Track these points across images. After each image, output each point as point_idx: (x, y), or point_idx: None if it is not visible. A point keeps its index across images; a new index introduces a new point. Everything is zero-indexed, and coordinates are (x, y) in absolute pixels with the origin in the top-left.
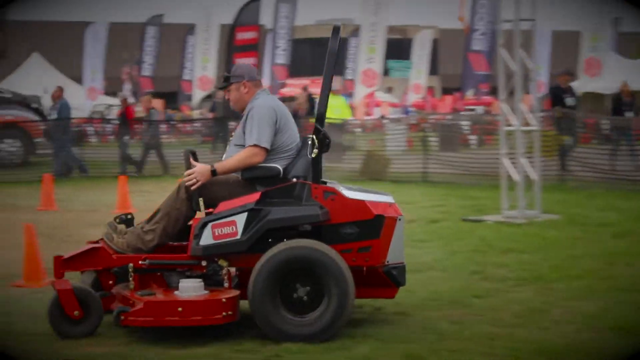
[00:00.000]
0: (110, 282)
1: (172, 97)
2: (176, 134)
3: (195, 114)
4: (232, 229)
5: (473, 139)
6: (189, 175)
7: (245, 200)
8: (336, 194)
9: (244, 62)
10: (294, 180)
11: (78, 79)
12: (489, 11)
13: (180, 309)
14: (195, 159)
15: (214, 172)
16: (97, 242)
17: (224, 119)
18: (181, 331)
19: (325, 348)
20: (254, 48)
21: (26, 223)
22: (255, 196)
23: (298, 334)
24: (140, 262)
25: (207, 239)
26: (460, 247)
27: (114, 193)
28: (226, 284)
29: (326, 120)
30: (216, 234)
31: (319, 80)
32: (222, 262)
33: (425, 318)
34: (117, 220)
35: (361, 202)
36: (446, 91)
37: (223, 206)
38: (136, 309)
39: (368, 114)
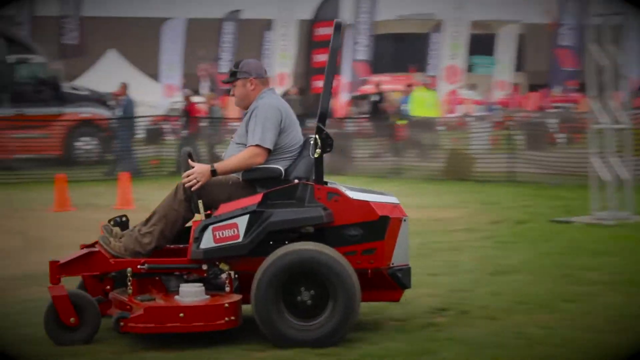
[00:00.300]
0: (108, 287)
1: None
2: None
3: None
4: (234, 231)
5: (561, 137)
6: (188, 175)
7: (246, 202)
8: (340, 195)
9: (253, 59)
10: (296, 181)
11: (155, 76)
12: (577, 5)
13: (181, 314)
14: (192, 160)
15: (214, 172)
16: (92, 245)
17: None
18: (177, 336)
19: (409, 352)
20: None
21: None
22: (257, 198)
23: (303, 339)
24: (139, 266)
25: (207, 242)
26: (548, 249)
27: None
28: (227, 289)
29: (418, 115)
30: (217, 237)
31: (401, 76)
32: (223, 266)
33: (513, 323)
34: (112, 222)
35: (365, 203)
36: (532, 88)
37: (224, 208)
38: (136, 315)
39: (451, 112)
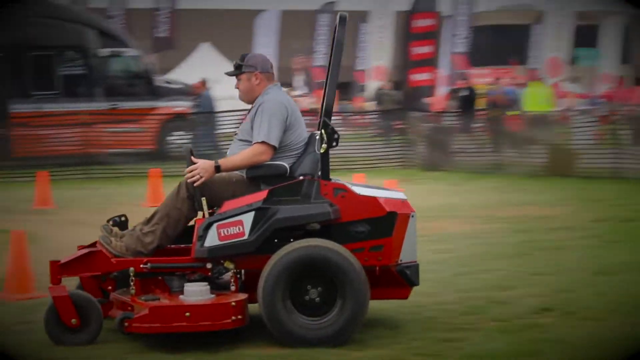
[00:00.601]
0: (110, 287)
1: (345, 88)
2: (349, 126)
3: (370, 105)
4: (239, 229)
5: None
6: (191, 172)
7: (251, 199)
8: (347, 190)
9: (259, 52)
10: (301, 178)
11: None
12: None
13: (187, 314)
14: (194, 156)
15: (217, 168)
16: (91, 245)
17: (392, 112)
18: (179, 337)
19: (512, 353)
20: (431, 36)
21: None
22: (262, 194)
23: (312, 338)
24: (141, 265)
25: (212, 240)
26: None
27: None
28: (233, 287)
29: (534, 111)
30: (222, 234)
31: (501, 69)
32: (228, 264)
33: (619, 324)
34: (111, 222)
35: (373, 199)
36: (639, 82)
37: (228, 205)
38: (141, 315)
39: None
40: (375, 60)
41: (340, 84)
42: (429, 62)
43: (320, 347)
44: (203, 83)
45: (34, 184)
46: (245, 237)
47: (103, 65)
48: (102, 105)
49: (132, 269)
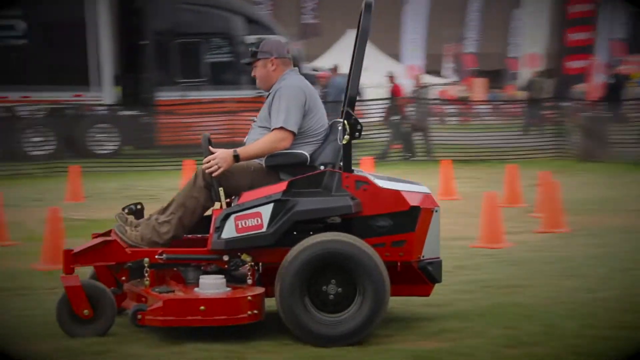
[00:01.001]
0: (123, 278)
1: (497, 76)
2: (500, 115)
3: (521, 94)
4: (257, 221)
5: None
6: (209, 161)
7: (270, 191)
8: (369, 183)
9: (275, 37)
10: (322, 168)
11: (396, 57)
12: None
13: (202, 307)
14: (211, 145)
15: (236, 157)
16: (106, 234)
17: (543, 100)
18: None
19: None
20: (589, 21)
21: None
22: (282, 186)
23: (329, 335)
24: (156, 256)
25: (229, 232)
26: None
27: (434, 178)
28: (250, 281)
29: None
30: (239, 226)
31: None
32: (245, 257)
33: None
34: (126, 210)
35: (396, 193)
36: None
37: (246, 197)
38: (154, 308)
39: None
40: (529, 47)
41: (492, 72)
42: (586, 49)
43: (336, 345)
44: (334, 69)
45: (180, 173)
46: (264, 229)
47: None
48: (249, 93)
49: (146, 259)
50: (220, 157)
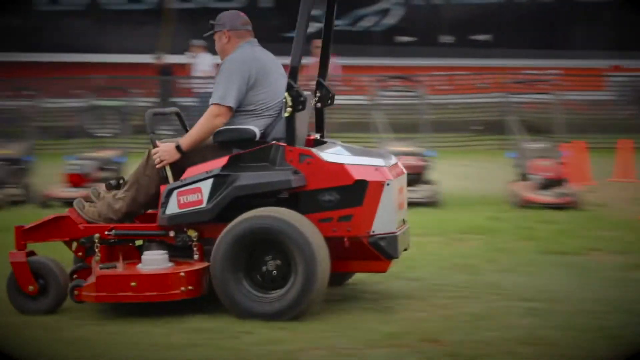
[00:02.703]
0: (80, 254)
1: None
2: None
3: None
4: (198, 196)
5: None
6: (154, 155)
7: (212, 166)
8: (312, 157)
9: (232, 10)
10: (273, 142)
11: None
12: None
13: (133, 283)
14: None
15: (178, 149)
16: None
17: None
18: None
19: None
20: None
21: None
22: (223, 161)
23: (260, 312)
24: (106, 232)
25: (172, 207)
26: None
27: None
28: (196, 256)
29: None
30: (181, 202)
31: None
32: (191, 233)
33: None
34: (108, 185)
35: (340, 166)
36: None
37: (190, 172)
38: (89, 284)
39: None
40: None
41: None
42: None
43: (267, 320)
44: None
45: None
46: (204, 205)
47: None
48: None
49: (97, 235)
50: (163, 149)
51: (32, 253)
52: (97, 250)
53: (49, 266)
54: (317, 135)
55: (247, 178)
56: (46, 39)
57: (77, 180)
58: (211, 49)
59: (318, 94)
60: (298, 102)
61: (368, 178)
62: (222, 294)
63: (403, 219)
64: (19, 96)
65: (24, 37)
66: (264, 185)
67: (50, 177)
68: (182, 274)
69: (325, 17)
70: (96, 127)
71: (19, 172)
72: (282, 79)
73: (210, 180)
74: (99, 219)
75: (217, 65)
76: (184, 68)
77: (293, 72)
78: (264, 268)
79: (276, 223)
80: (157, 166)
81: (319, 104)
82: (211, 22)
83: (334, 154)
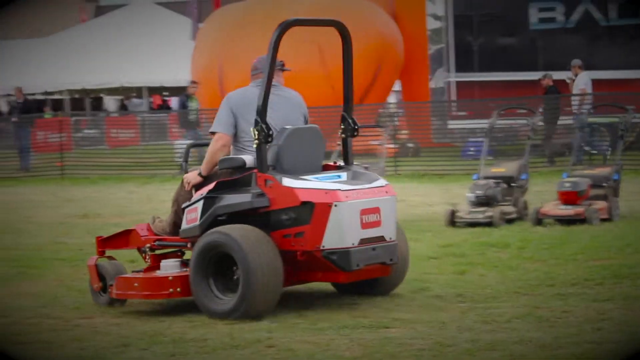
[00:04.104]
0: (147, 259)
1: None
2: None
3: None
4: (195, 214)
5: None
6: (185, 179)
7: (206, 189)
8: (273, 181)
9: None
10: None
11: None
12: None
13: (136, 284)
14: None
15: (200, 174)
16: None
17: None
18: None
19: None
20: None
21: None
22: (212, 185)
23: (217, 312)
24: (154, 243)
25: (184, 223)
26: None
27: None
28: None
29: None
30: (187, 218)
31: None
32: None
33: None
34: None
35: (290, 189)
36: None
37: (197, 194)
38: (113, 284)
39: None
40: None
41: None
42: None
43: (218, 319)
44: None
45: None
46: (198, 222)
47: None
48: None
49: (148, 245)
50: (190, 175)
51: (110, 257)
52: (147, 257)
53: (108, 269)
54: (340, 162)
55: (226, 199)
56: (539, 57)
57: (570, 197)
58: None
59: (342, 126)
60: (263, 136)
61: (314, 200)
62: (193, 294)
63: (383, 236)
64: (511, 115)
65: (518, 56)
66: (235, 206)
67: (542, 194)
68: (170, 278)
69: (344, 55)
70: (590, 144)
71: (513, 190)
72: (289, 115)
73: (202, 201)
74: (161, 232)
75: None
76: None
77: (259, 110)
78: (229, 275)
79: (223, 238)
80: (186, 189)
81: (343, 135)
82: (254, 63)
83: (297, 179)
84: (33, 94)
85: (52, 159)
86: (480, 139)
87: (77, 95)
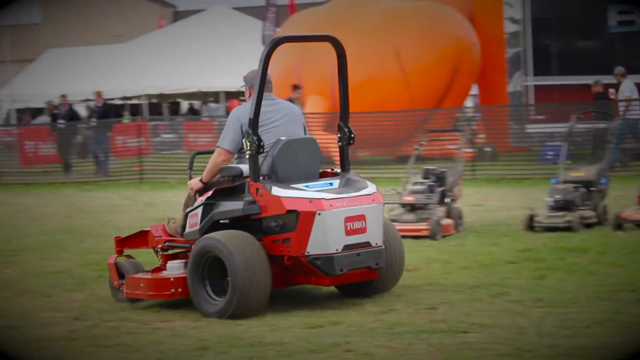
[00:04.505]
0: (161, 258)
1: None
2: None
3: None
4: (196, 219)
5: None
6: (189, 185)
7: (205, 196)
8: (264, 190)
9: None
10: (261, 178)
11: None
12: None
13: (142, 284)
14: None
15: (201, 180)
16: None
17: None
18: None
19: None
20: None
21: None
22: (210, 192)
23: (210, 312)
24: (165, 244)
25: (187, 227)
26: None
27: None
28: None
29: None
30: (190, 222)
31: None
32: None
33: None
34: None
35: (277, 198)
36: None
37: (199, 200)
38: (125, 283)
39: None
40: None
41: None
42: None
43: (211, 318)
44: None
45: None
46: (198, 227)
47: None
48: None
49: (160, 246)
50: (191, 183)
51: (129, 257)
52: (160, 256)
53: (127, 267)
54: (337, 169)
55: (222, 206)
56: (618, 61)
57: None
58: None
59: (339, 135)
60: (254, 147)
61: (299, 208)
62: (191, 294)
63: (369, 242)
64: (588, 119)
65: (596, 59)
66: (229, 212)
67: (622, 199)
68: (172, 279)
69: (339, 69)
70: None
71: (592, 195)
72: (285, 126)
73: (201, 207)
74: (175, 234)
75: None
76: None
77: (250, 122)
78: (223, 278)
79: (214, 242)
80: (191, 194)
81: (339, 143)
82: (244, 77)
83: (287, 188)
84: (112, 99)
85: (131, 164)
86: (558, 143)
87: (154, 100)
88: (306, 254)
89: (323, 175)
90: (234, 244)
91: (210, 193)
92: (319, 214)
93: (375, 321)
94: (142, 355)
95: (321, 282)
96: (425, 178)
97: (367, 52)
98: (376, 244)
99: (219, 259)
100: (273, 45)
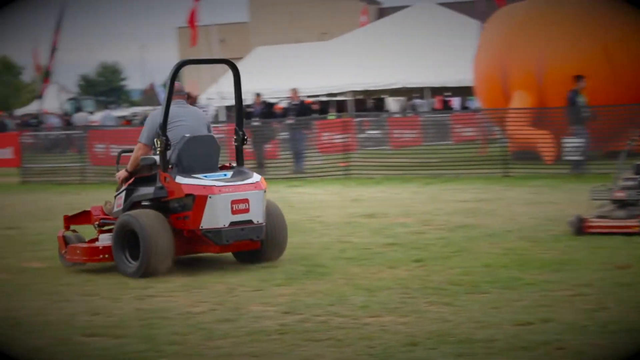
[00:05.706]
0: (98, 232)
1: None
2: None
3: None
4: (121, 201)
5: None
6: (116, 175)
7: (128, 183)
8: (169, 178)
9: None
10: (170, 167)
11: None
12: None
13: (78, 251)
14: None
15: (126, 170)
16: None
17: None
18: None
19: None
20: None
21: None
22: (131, 180)
23: (127, 273)
24: (100, 221)
25: (114, 207)
26: None
27: None
28: None
29: None
30: (116, 203)
31: None
32: None
33: None
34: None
35: (179, 185)
36: None
37: (124, 186)
38: (67, 250)
39: None
40: None
41: None
42: None
43: (130, 278)
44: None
45: None
46: (121, 207)
47: None
48: None
49: (96, 222)
50: (119, 173)
51: (74, 231)
52: (96, 231)
53: (71, 239)
54: (234, 164)
55: (139, 191)
56: None
57: None
58: None
59: (235, 137)
60: (163, 145)
61: (195, 193)
62: (114, 260)
63: (251, 220)
64: None
65: None
66: (144, 196)
67: None
68: (100, 247)
69: (234, 85)
70: None
71: None
72: (191, 125)
73: (124, 191)
74: (109, 213)
75: None
76: None
77: (161, 125)
78: (138, 246)
79: (129, 219)
80: (118, 182)
81: (235, 144)
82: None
83: (188, 177)
84: (317, 95)
85: (336, 160)
86: None
87: (360, 97)
88: (201, 228)
89: (222, 168)
90: (144, 220)
91: (131, 180)
92: (210, 197)
93: (587, 319)
94: (352, 350)
95: (213, 250)
96: (636, 174)
97: (573, 48)
98: (257, 221)
99: (134, 232)
100: (177, 68)
